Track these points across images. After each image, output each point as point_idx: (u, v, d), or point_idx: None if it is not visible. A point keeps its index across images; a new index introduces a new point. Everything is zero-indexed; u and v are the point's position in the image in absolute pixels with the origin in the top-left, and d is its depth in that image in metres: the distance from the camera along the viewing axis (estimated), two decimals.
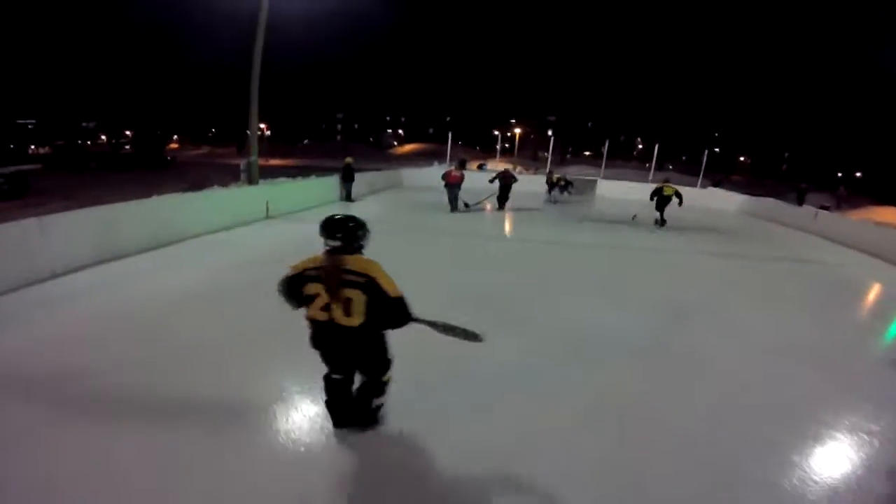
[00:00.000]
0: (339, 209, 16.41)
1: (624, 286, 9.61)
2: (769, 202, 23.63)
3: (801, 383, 5.94)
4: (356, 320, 3.64)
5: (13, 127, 76.41)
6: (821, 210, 20.56)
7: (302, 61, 77.60)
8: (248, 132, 17.04)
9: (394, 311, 3.67)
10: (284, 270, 3.82)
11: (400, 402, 4.52)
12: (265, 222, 13.71)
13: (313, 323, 3.79)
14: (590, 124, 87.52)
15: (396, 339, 4.09)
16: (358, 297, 3.57)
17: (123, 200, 10.15)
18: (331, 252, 3.70)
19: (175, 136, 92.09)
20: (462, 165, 18.45)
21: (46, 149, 66.74)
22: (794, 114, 73.87)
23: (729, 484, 4.02)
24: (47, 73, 73.79)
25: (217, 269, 9.20)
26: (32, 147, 72.11)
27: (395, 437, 4.28)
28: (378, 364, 4.06)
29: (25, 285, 7.45)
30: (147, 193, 11.70)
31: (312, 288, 3.66)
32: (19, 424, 4.22)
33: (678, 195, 16.50)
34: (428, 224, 15.10)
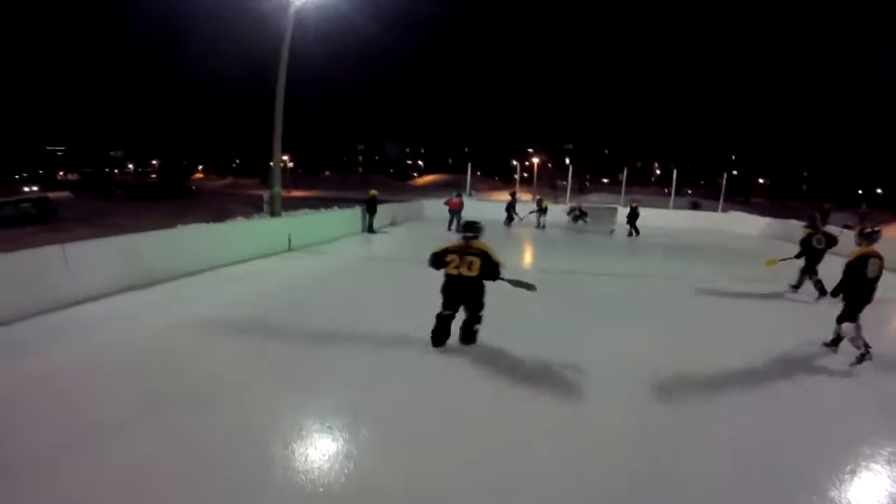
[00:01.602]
0: (361, 241, 16.55)
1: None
2: (791, 224, 23.24)
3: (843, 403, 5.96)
4: (474, 273, 6.53)
5: (43, 153, 77.87)
6: (844, 229, 20.20)
7: (324, 94, 79.16)
8: (272, 164, 17.08)
9: (494, 270, 6.60)
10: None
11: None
12: (286, 255, 13.50)
13: (448, 276, 6.67)
14: (607, 151, 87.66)
15: None
16: (476, 262, 6.53)
17: (147, 229, 10.15)
18: (465, 238, 6.71)
19: (200, 167, 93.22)
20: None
21: (75, 175, 67.92)
22: (811, 134, 73.63)
23: None
24: (78, 101, 75.36)
25: (236, 302, 9.11)
26: (61, 173, 73.31)
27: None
28: (480, 303, 6.75)
29: (48, 311, 7.45)
30: (171, 223, 11.72)
31: (450, 257, 6.60)
32: (33, 450, 4.15)
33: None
34: None
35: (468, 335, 6.80)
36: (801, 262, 10.76)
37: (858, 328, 6.93)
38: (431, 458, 4.39)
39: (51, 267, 7.75)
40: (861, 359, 6.82)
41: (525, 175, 59.03)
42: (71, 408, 4.84)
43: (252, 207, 20.14)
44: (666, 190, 31.61)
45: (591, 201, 30.83)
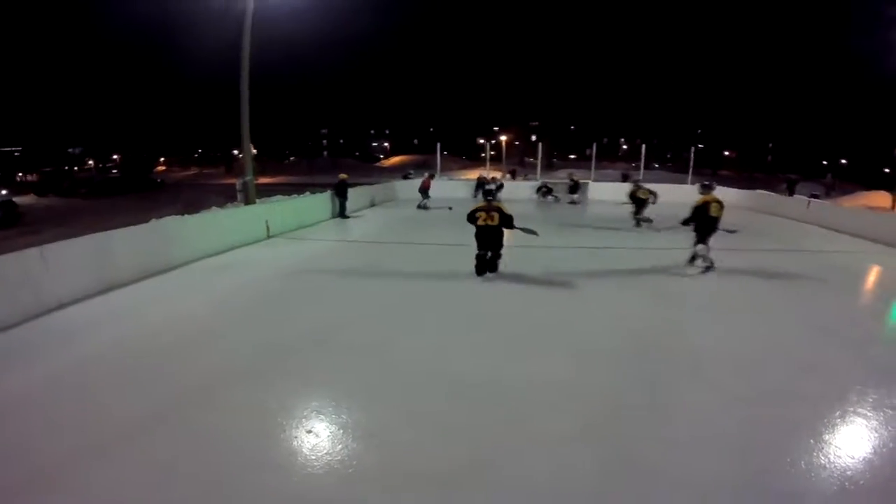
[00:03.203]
0: (335, 226, 16.38)
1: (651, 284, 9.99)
2: (759, 194, 23.64)
3: (827, 360, 6.38)
4: (496, 223, 9.37)
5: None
6: (812, 199, 20.59)
7: (286, 78, 77.27)
8: (237, 151, 16.87)
9: (509, 220, 9.43)
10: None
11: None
12: (267, 242, 13.41)
13: (479, 228, 9.45)
14: (573, 128, 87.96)
15: None
16: (496, 215, 9.37)
17: (119, 226, 9.87)
18: (487, 201, 9.75)
19: (162, 159, 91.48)
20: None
21: (34, 176, 66.20)
22: (775, 105, 74.67)
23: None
24: (32, 99, 73.15)
25: (228, 293, 9.04)
26: (20, 174, 71.43)
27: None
28: (501, 244, 9.71)
29: (34, 316, 7.22)
30: (142, 218, 11.43)
31: (479, 214, 9.43)
32: (53, 458, 4.08)
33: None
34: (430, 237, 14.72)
35: (493, 267, 9.83)
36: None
37: (707, 249, 10.48)
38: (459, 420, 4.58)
39: (31, 270, 7.45)
40: (707, 270, 10.49)
41: (493, 153, 59.10)
42: (80, 413, 4.72)
43: (223, 197, 19.78)
44: (634, 164, 31.65)
45: (559, 177, 30.81)
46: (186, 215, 13.01)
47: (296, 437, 4.37)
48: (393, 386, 5.35)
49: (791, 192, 28.27)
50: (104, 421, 4.58)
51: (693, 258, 10.69)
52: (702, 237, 10.50)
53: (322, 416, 4.71)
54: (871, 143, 59.78)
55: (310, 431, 4.43)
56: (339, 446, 4.22)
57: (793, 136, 75.49)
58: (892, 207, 33.75)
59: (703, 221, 10.39)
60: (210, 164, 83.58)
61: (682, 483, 3.87)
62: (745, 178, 49.74)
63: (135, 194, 37.80)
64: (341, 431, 4.46)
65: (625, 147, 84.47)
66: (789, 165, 65.47)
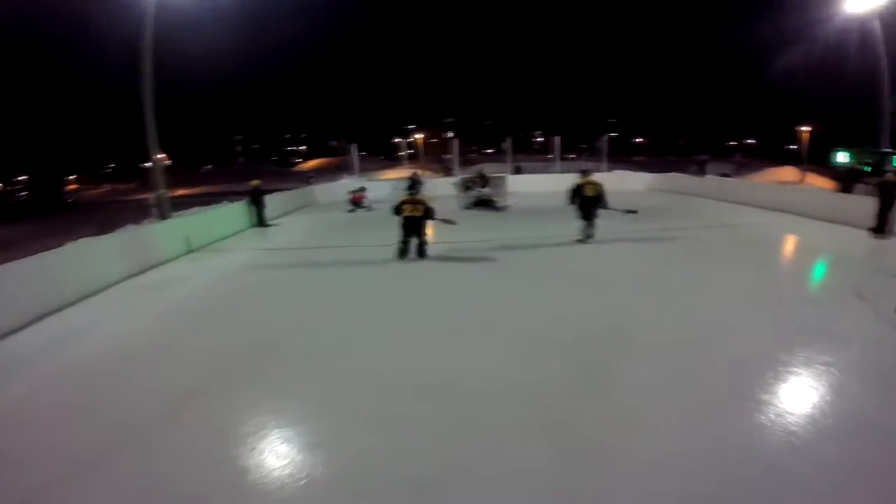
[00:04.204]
0: (256, 235, 16.50)
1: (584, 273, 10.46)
2: (673, 176, 24.98)
3: (755, 325, 7.00)
4: (419, 214, 11.47)
5: None
6: (722, 177, 22.01)
7: (193, 84, 75.11)
8: (149, 164, 16.69)
9: (431, 212, 11.63)
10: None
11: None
12: (189, 256, 13.38)
13: (405, 218, 11.49)
14: (489, 122, 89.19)
15: None
16: (420, 207, 11.55)
17: (38, 251, 9.53)
18: (411, 194, 14.25)
19: (73, 176, 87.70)
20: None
21: None
22: (683, 92, 78.18)
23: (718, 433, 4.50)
24: None
25: (163, 311, 9.12)
26: None
27: None
28: (424, 232, 11.70)
29: None
30: (59, 242, 11.37)
31: (405, 206, 11.55)
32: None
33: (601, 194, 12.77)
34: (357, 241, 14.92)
35: (422, 252, 11.75)
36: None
37: (587, 225, 12.69)
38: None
39: None
40: (581, 241, 12.70)
41: (411, 152, 59.57)
42: (45, 445, 4.80)
43: (139, 213, 19.45)
44: (550, 156, 32.62)
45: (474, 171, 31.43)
46: (103, 236, 12.67)
47: (252, 451, 4.48)
48: (347, 391, 5.56)
49: (703, 173, 29.79)
50: (59, 452, 4.63)
51: (583, 236, 12.76)
52: (583, 214, 12.66)
53: (276, 428, 4.84)
54: (775, 122, 63.41)
55: (257, 448, 4.54)
56: (290, 459, 4.37)
57: (701, 121, 79.36)
58: (800, 181, 36.21)
59: (583, 202, 12.63)
60: (123, 180, 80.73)
61: (633, 457, 4.18)
62: (658, 163, 51.70)
63: (47, 216, 36.56)
64: (295, 442, 4.64)
65: (540, 139, 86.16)
66: (700, 148, 69.06)
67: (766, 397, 4.96)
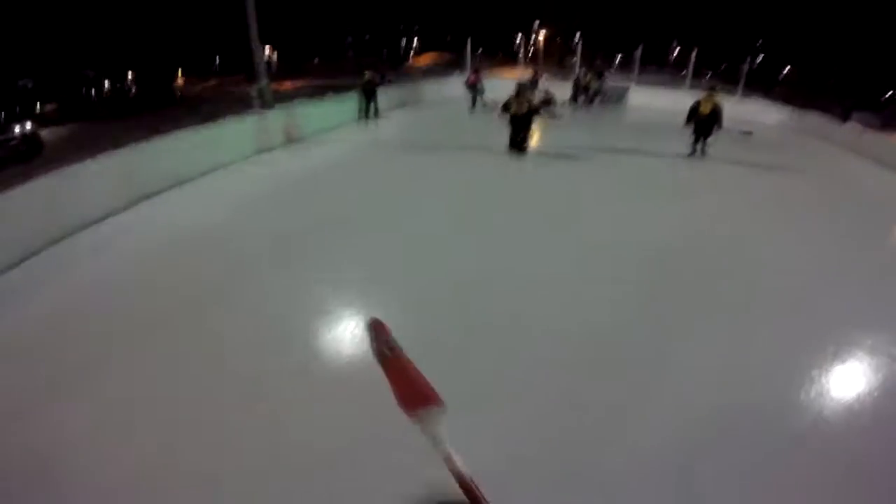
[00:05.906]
0: (360, 129, 16.52)
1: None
2: (812, 117, 22.58)
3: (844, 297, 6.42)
4: (525, 111, 12.71)
5: (15, 89, 76.05)
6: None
7: None
8: (253, 56, 16.72)
9: (536, 109, 13.03)
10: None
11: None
12: (286, 147, 13.76)
13: (513, 116, 12.75)
14: (620, 27, 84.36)
15: None
16: (525, 104, 12.67)
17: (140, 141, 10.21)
18: (520, 90, 12.97)
19: (180, 71, 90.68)
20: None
21: (52, 105, 66.69)
22: (845, 23, 70.02)
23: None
24: (36, 28, 72.58)
25: (249, 199, 9.64)
26: (38, 106, 71.78)
27: None
28: (530, 128, 13.09)
29: (67, 236, 7.72)
30: (164, 132, 11.68)
31: (513, 102, 12.67)
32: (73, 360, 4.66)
33: (717, 112, 13.10)
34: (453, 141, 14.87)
35: (524, 148, 13.04)
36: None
37: (700, 141, 13.28)
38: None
39: (56, 194, 7.88)
40: (690, 155, 13.41)
41: (532, 52, 57.64)
42: (100, 323, 5.31)
43: (242, 105, 19.78)
44: (684, 72, 29.95)
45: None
46: (205, 125, 12.61)
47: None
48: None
49: (846, 119, 26.86)
50: (104, 332, 5.14)
51: (692, 151, 13.57)
52: (694, 129, 13.31)
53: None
54: None
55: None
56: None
57: (860, 61, 71.04)
58: None
59: (697, 118, 13.18)
60: (230, 74, 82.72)
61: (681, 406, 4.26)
62: (800, 98, 47.80)
63: (155, 111, 37.93)
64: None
65: (676, 52, 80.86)
66: (851, 91, 62.04)
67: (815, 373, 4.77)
